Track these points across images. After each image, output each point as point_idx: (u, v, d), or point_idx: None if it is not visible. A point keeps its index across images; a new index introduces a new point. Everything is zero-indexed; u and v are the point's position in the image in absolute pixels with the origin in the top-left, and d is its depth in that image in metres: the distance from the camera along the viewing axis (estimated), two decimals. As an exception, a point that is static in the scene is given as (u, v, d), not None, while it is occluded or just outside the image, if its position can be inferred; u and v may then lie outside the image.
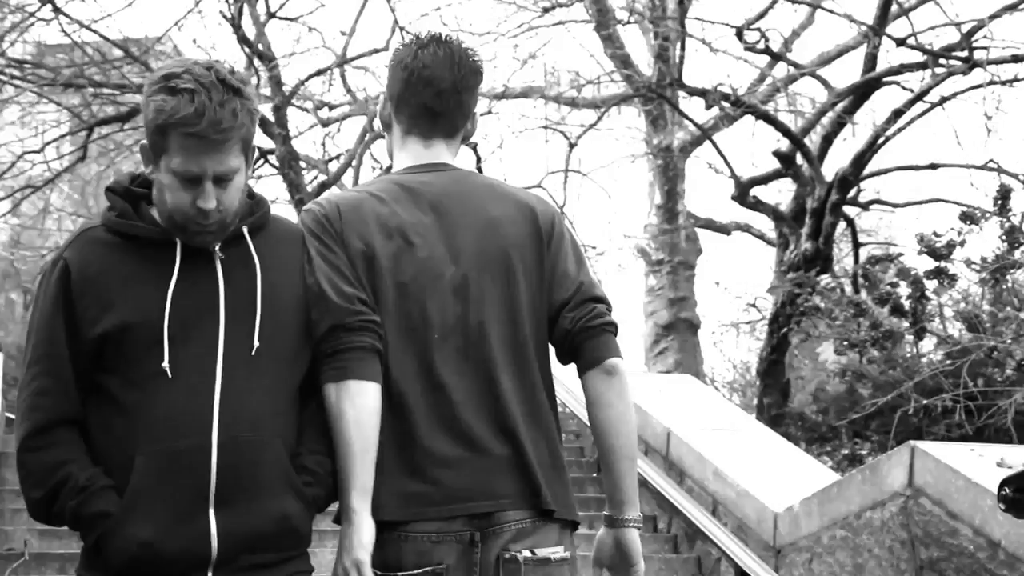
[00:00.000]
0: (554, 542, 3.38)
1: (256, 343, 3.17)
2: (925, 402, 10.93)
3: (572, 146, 18.41)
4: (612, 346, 3.44)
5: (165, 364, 3.11)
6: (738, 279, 32.50)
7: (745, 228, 20.12)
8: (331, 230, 3.37)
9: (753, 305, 19.69)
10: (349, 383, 3.21)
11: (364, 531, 3.21)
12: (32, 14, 16.29)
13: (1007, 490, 4.71)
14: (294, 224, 3.44)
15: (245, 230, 3.29)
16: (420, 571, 3.25)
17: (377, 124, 18.11)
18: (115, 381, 3.15)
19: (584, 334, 3.42)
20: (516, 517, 3.31)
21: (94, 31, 16.19)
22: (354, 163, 18.00)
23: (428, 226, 3.41)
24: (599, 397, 3.42)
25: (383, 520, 3.25)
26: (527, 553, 3.32)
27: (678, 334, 18.22)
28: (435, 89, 3.54)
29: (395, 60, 3.60)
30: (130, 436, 3.10)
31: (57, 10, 15.87)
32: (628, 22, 18.04)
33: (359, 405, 3.20)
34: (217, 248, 3.22)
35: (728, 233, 20.09)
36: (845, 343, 12.89)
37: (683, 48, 16.30)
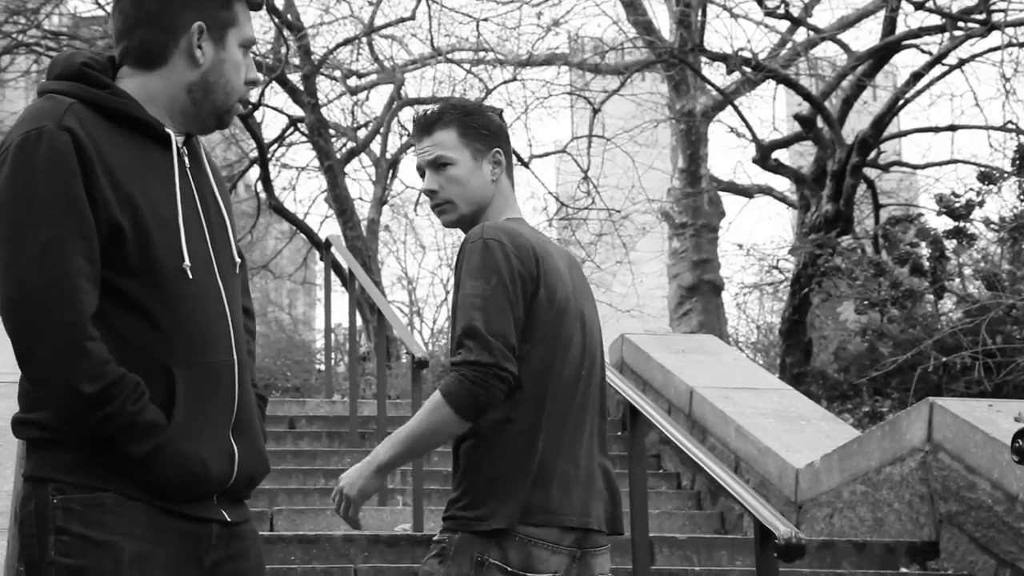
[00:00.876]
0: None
1: (237, 259, 2.97)
2: (944, 359, 10.99)
3: (596, 111, 18.44)
4: None
5: (187, 265, 2.80)
6: (760, 241, 32.52)
7: (767, 191, 20.11)
8: (528, 276, 3.52)
9: (775, 267, 19.74)
10: (455, 415, 3.41)
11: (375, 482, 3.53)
12: (66, -14, 16.44)
13: (1021, 442, 4.85)
14: None
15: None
16: None
17: (404, 92, 18.27)
18: (133, 284, 2.75)
19: None
20: (604, 541, 3.66)
21: (127, 3, 16.41)
22: (382, 130, 18.16)
23: (568, 281, 3.67)
24: None
25: (510, 526, 3.45)
26: None
27: (701, 296, 18.25)
28: None
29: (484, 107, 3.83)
30: (158, 345, 2.75)
31: (91, -18, 16.10)
32: (650, -12, 18.09)
33: (441, 432, 3.46)
34: (181, 144, 2.93)
35: (750, 196, 20.08)
36: (866, 302, 12.96)
37: (704, 14, 16.39)
